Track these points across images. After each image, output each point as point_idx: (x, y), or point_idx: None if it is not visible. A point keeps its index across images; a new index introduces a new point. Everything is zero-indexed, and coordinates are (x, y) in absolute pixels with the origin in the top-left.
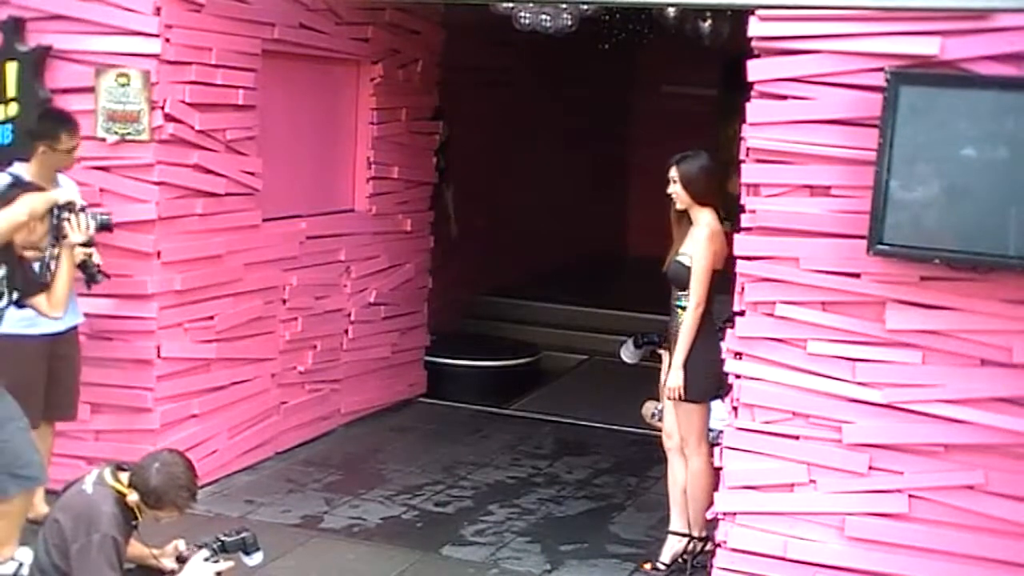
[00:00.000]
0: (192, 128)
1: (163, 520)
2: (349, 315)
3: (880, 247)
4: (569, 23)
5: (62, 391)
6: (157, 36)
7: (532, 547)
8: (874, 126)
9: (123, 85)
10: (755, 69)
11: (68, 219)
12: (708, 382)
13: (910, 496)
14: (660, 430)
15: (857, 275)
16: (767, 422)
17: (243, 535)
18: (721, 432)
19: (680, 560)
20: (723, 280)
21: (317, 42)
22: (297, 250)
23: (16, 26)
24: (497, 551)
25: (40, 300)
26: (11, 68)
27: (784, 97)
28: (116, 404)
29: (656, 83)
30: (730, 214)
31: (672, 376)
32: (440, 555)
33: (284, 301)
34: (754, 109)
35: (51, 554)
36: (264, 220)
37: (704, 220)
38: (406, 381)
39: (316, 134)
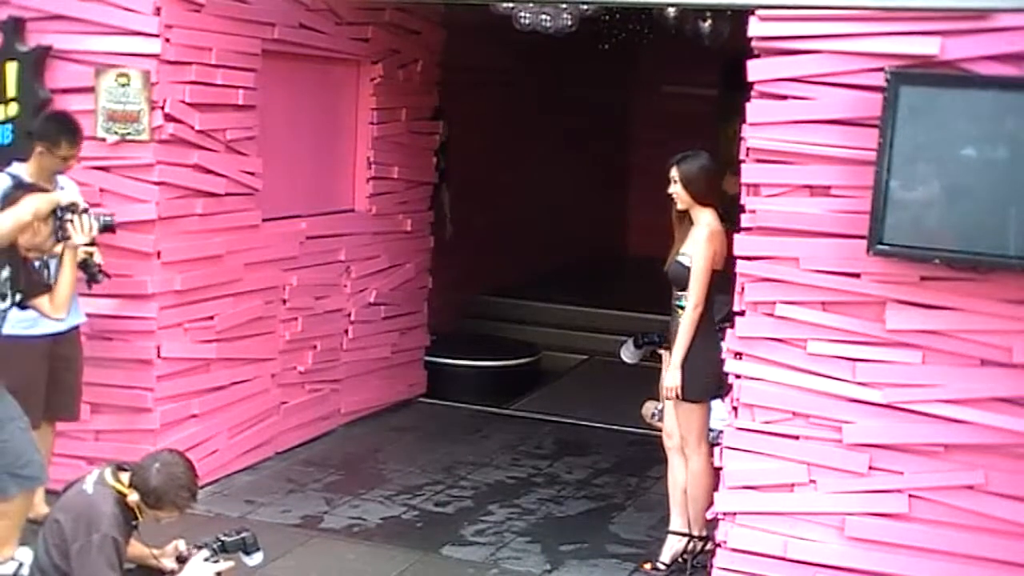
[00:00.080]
0: (192, 128)
1: (163, 520)
2: (349, 315)
3: (880, 247)
4: (569, 23)
5: (64, 391)
6: (157, 36)
7: (532, 547)
8: (874, 126)
9: (123, 85)
10: (755, 69)
11: (71, 220)
12: (708, 382)
13: (910, 496)
14: (660, 430)
15: (857, 275)
16: (767, 422)
17: (243, 535)
18: (721, 432)
19: (680, 560)
20: (723, 280)
21: (317, 42)
22: (297, 250)
23: (16, 26)
24: (497, 551)
25: (43, 301)
26: (11, 68)
27: (784, 97)
28: (116, 404)
29: (656, 83)
30: (728, 214)
31: (670, 376)
32: (440, 555)
33: (284, 301)
34: (754, 109)
35: (51, 554)
36: (264, 220)
37: (704, 220)
38: (406, 381)
39: (316, 134)
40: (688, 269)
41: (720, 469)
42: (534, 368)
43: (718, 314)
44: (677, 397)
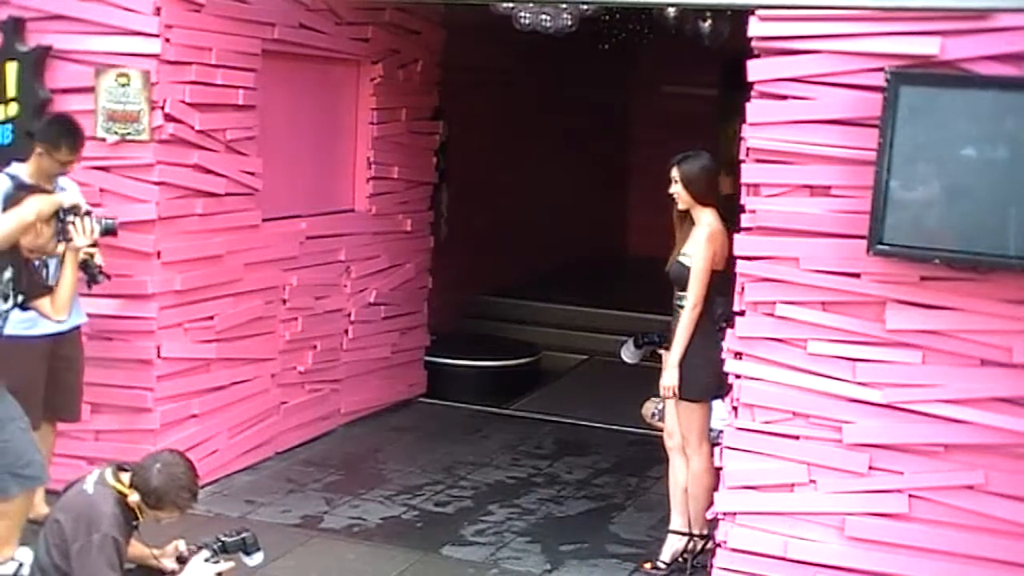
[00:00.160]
0: (192, 128)
1: (164, 520)
2: (349, 315)
3: (880, 247)
4: (569, 23)
5: (64, 392)
6: (157, 36)
7: (532, 547)
8: (874, 126)
9: (123, 85)
10: (755, 69)
11: (73, 222)
12: (709, 381)
13: (910, 496)
14: (660, 430)
15: (857, 275)
16: (767, 422)
17: (243, 535)
18: (721, 432)
19: (680, 559)
20: (723, 280)
21: (317, 42)
22: (297, 250)
23: (16, 26)
24: (497, 551)
25: (44, 303)
26: (11, 68)
27: (784, 97)
28: (116, 404)
29: (656, 83)
30: (726, 214)
31: (667, 375)
32: (440, 555)
33: (284, 301)
34: (754, 109)
35: (52, 554)
36: (264, 220)
37: (705, 220)
38: (406, 381)
39: (316, 134)
40: (689, 269)
41: (720, 469)
42: (534, 368)
43: (721, 316)
44: (675, 396)
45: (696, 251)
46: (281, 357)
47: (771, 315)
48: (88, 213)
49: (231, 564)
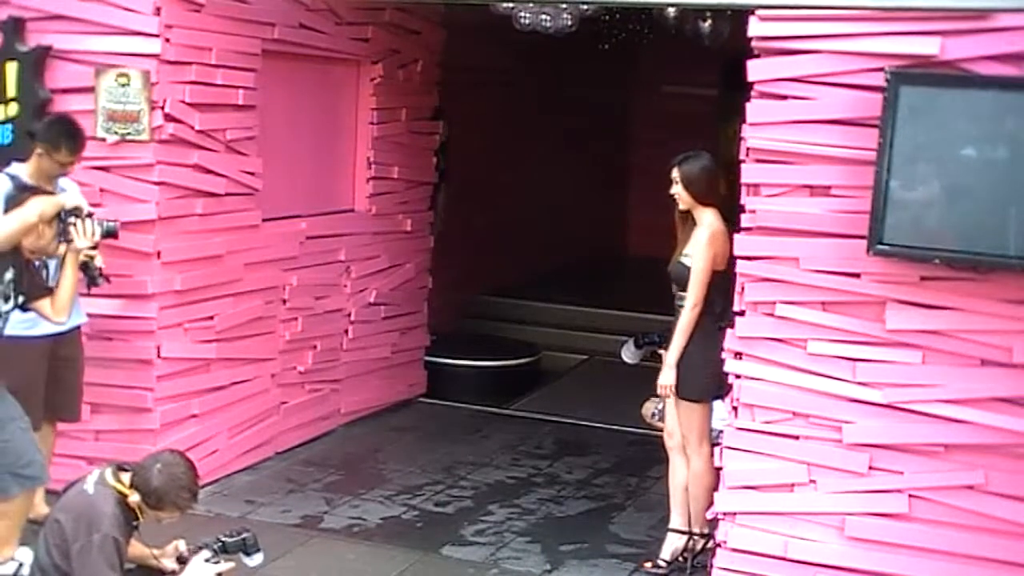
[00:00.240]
0: (192, 128)
1: (164, 521)
2: (349, 315)
3: (880, 247)
4: (569, 23)
5: (64, 392)
6: (157, 36)
7: (532, 547)
8: (874, 126)
9: (123, 85)
10: (755, 69)
11: (74, 224)
12: (709, 381)
13: (910, 496)
14: (660, 430)
15: (857, 275)
16: (767, 422)
17: (244, 536)
18: (721, 432)
19: (680, 559)
20: (724, 280)
21: (317, 42)
22: (297, 250)
23: (16, 26)
24: (497, 551)
25: (44, 304)
26: (11, 68)
27: (784, 97)
28: (116, 404)
29: (656, 83)
30: (727, 214)
31: (664, 374)
32: (440, 555)
33: (284, 301)
34: (754, 109)
35: (52, 554)
36: (264, 220)
37: (706, 221)
38: (406, 381)
39: (316, 134)
40: (689, 269)
41: (720, 469)
42: (534, 368)
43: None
44: (671, 395)
45: (697, 252)
46: (281, 357)
47: (771, 315)
48: (90, 215)
49: (231, 564)
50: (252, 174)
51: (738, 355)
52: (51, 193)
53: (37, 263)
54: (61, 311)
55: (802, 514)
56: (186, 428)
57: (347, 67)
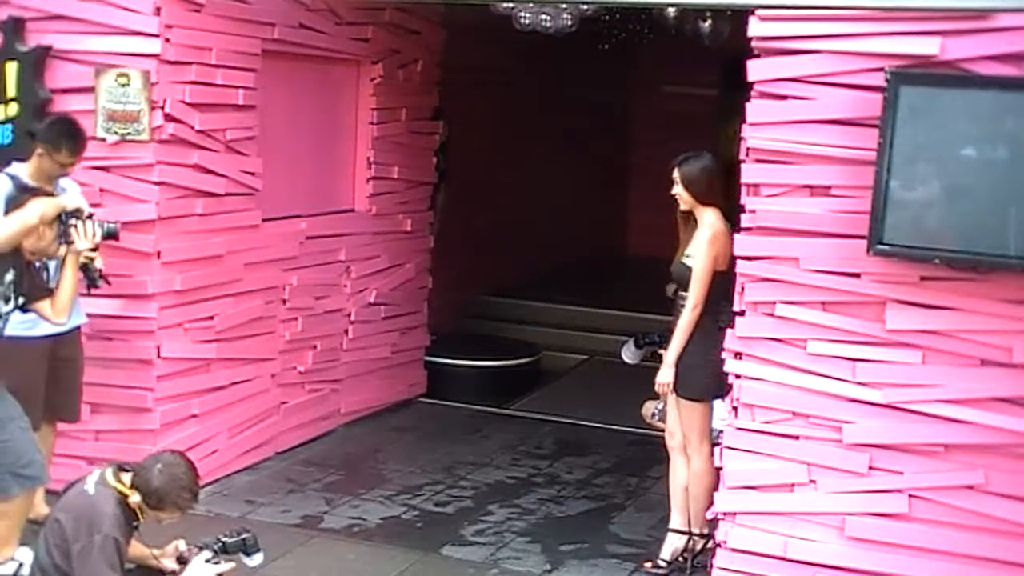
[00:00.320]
0: (192, 128)
1: (165, 521)
2: (349, 315)
3: (880, 247)
4: (569, 23)
5: (64, 392)
6: (157, 36)
7: (532, 547)
8: (874, 126)
9: (123, 85)
10: (755, 69)
11: (75, 225)
12: (709, 381)
13: (910, 496)
14: (660, 430)
15: (857, 275)
16: (767, 422)
17: (244, 536)
18: (722, 432)
19: (680, 559)
20: (725, 280)
21: (317, 42)
22: (297, 250)
23: (16, 26)
24: (497, 551)
25: (44, 306)
26: (11, 68)
27: (784, 97)
28: (116, 404)
29: (656, 83)
30: (728, 215)
31: (662, 373)
32: (440, 555)
33: (284, 301)
34: (754, 109)
35: (52, 554)
36: (264, 220)
37: (708, 221)
38: (406, 381)
39: (316, 134)
40: (691, 270)
41: (720, 469)
42: (534, 368)
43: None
44: (669, 393)
45: (698, 252)
46: (281, 357)
47: (771, 315)
48: (90, 216)
49: (231, 565)
50: (252, 174)
51: (738, 355)
52: (51, 194)
53: (37, 264)
54: (61, 312)
55: (802, 514)
56: (186, 428)
57: (347, 67)
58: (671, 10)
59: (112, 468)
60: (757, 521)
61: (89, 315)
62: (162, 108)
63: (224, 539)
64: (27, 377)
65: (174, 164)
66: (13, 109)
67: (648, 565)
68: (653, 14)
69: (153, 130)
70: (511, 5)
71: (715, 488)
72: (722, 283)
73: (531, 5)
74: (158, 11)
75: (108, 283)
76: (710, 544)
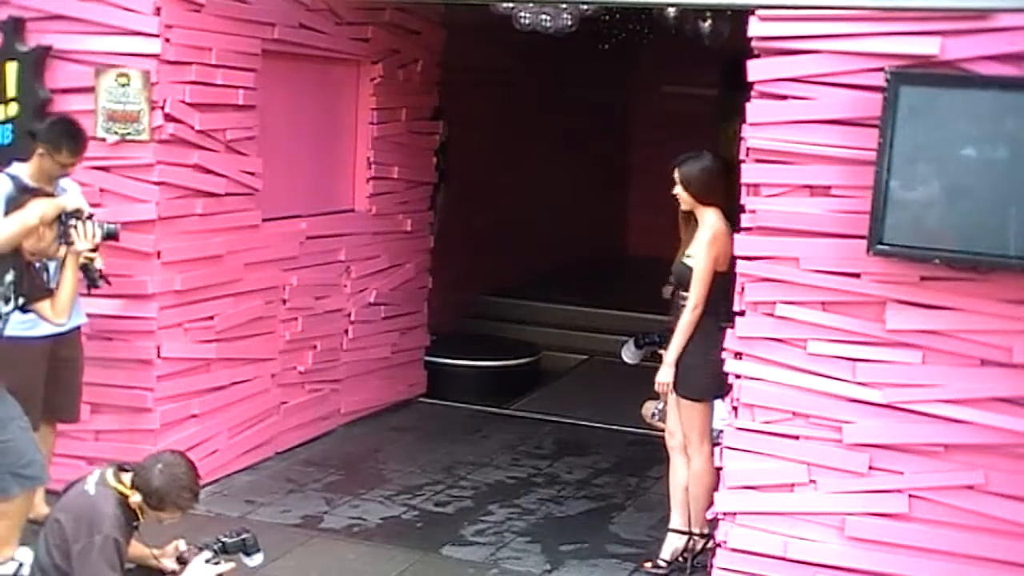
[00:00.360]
0: (192, 128)
1: (165, 521)
2: (349, 315)
3: (880, 247)
4: (569, 23)
5: (64, 392)
6: (157, 36)
7: (532, 547)
8: (874, 126)
9: (123, 85)
10: (755, 69)
11: (75, 226)
12: (710, 381)
13: (910, 496)
14: (660, 430)
15: (857, 275)
16: (767, 422)
17: (243, 536)
18: (722, 432)
19: (680, 559)
20: (726, 280)
21: (317, 42)
22: (297, 250)
23: (16, 26)
24: (497, 551)
25: (44, 306)
26: (11, 68)
27: (784, 97)
28: (116, 404)
29: (656, 83)
30: (729, 215)
31: (662, 372)
32: (440, 555)
33: (284, 301)
34: (754, 109)
35: (52, 554)
36: (264, 220)
37: (708, 222)
38: (406, 381)
39: (316, 134)
40: (692, 270)
41: (720, 469)
42: (534, 368)
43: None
44: (669, 392)
45: (698, 253)
46: (281, 357)
47: (771, 315)
48: (90, 217)
49: (231, 565)
50: (252, 174)
51: (738, 355)
52: (51, 194)
53: (37, 265)
54: (61, 313)
55: (802, 514)
56: (186, 428)
57: (347, 67)
58: (671, 10)
59: (112, 468)
60: (757, 521)
61: (89, 315)
62: (162, 108)
63: (224, 539)
64: (27, 377)
65: (174, 164)
66: (13, 109)
67: (648, 565)
68: (653, 14)
69: (153, 130)
70: (511, 5)
71: (715, 488)
72: (722, 283)
73: (531, 5)
74: (158, 11)
75: (108, 283)
76: (710, 544)
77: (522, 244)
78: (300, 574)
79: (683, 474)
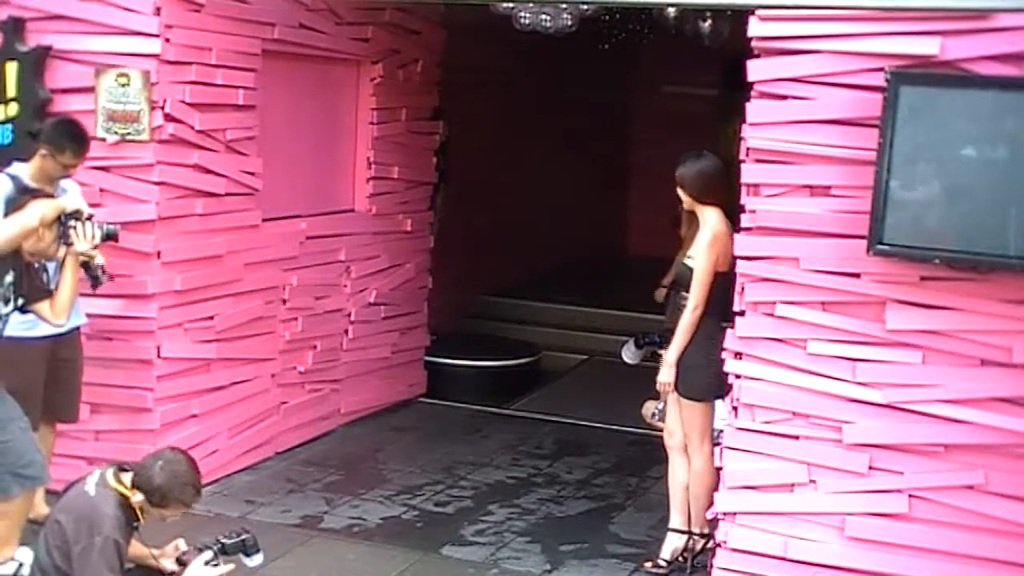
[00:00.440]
0: (192, 128)
1: (168, 518)
2: (349, 315)
3: (880, 247)
4: (569, 23)
5: (64, 392)
6: (157, 36)
7: (532, 547)
8: (874, 126)
9: (123, 85)
10: (755, 69)
11: (75, 227)
12: (711, 381)
13: (910, 496)
14: (660, 430)
15: (857, 275)
16: (767, 422)
17: (243, 537)
18: (722, 432)
19: (680, 558)
20: (726, 280)
21: (317, 42)
22: (297, 250)
23: (16, 26)
24: (497, 551)
25: (44, 307)
26: (11, 68)
27: (784, 97)
28: (116, 404)
29: (656, 83)
30: (729, 215)
31: (663, 372)
32: (440, 555)
33: (284, 301)
34: (754, 109)
35: (52, 555)
36: (264, 220)
37: (709, 222)
38: (406, 381)
39: (316, 134)
40: (692, 271)
41: (720, 469)
42: (534, 368)
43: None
44: (670, 392)
45: (699, 254)
46: (281, 357)
47: (771, 315)
48: (90, 218)
49: (231, 567)
50: (252, 174)
51: (738, 355)
52: (51, 195)
53: (37, 265)
54: (61, 313)
55: (802, 514)
56: (186, 428)
57: (347, 67)
58: (671, 10)
59: (112, 469)
60: (757, 521)
61: (89, 315)
62: (162, 108)
63: (223, 540)
64: (26, 378)
65: (174, 164)
66: (13, 109)
67: (648, 565)
68: (653, 14)
69: (153, 130)
70: (511, 5)
71: (715, 488)
72: (723, 283)
73: (531, 5)
74: (158, 11)
75: (111, 278)
76: (710, 544)
77: (522, 244)
78: (300, 574)
79: (682, 474)
